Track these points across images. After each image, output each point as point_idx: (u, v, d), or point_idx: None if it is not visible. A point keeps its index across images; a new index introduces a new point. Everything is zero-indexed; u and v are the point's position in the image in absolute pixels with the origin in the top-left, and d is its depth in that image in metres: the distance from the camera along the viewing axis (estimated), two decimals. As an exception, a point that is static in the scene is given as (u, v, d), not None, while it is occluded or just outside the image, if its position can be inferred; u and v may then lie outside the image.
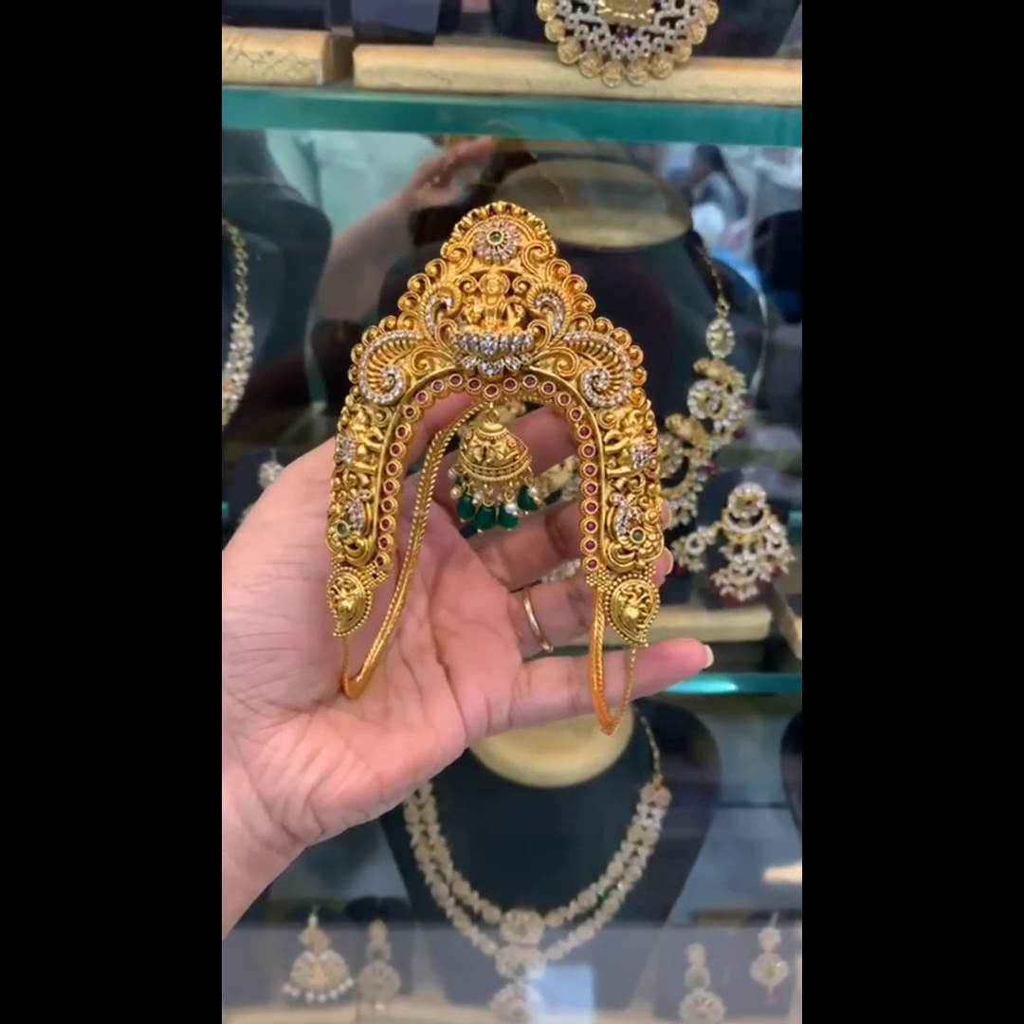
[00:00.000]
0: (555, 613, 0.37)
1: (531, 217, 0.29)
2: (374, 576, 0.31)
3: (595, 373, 0.29)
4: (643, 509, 0.30)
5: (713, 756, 0.80)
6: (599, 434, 0.30)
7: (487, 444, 0.31)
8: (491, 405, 0.30)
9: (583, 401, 0.29)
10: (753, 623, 0.70)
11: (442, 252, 0.29)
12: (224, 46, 0.50)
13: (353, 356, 0.30)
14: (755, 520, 0.67)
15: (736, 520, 0.66)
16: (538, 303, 0.29)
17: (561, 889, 0.73)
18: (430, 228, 0.74)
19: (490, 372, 0.29)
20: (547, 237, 0.29)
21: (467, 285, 0.29)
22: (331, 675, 0.34)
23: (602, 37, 0.50)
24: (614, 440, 0.29)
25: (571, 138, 0.53)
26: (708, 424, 0.65)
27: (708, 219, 1.31)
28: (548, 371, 0.29)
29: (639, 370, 0.29)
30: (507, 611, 0.37)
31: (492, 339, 0.28)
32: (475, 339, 0.28)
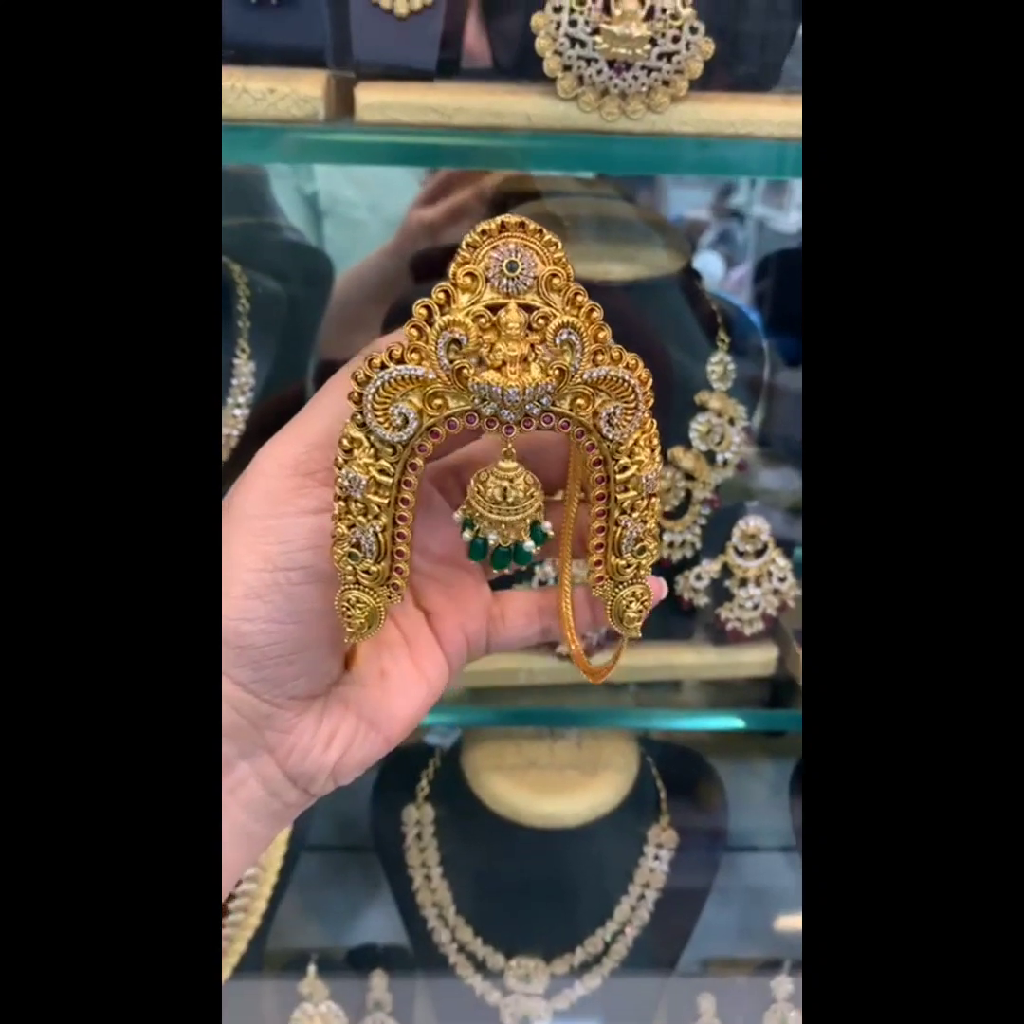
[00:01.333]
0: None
1: (547, 236, 0.28)
2: (388, 597, 0.30)
3: (611, 410, 0.29)
4: (644, 523, 0.30)
5: (721, 798, 0.79)
6: (611, 462, 0.30)
7: (506, 483, 0.30)
8: (509, 444, 0.29)
9: (597, 435, 0.29)
10: (760, 659, 0.69)
11: (450, 276, 0.28)
12: (227, 84, 0.51)
13: (353, 382, 0.28)
14: (760, 553, 0.66)
15: (741, 553, 0.66)
16: (558, 340, 0.27)
17: (567, 934, 0.71)
18: (431, 267, 0.75)
19: (511, 418, 0.28)
20: (563, 260, 0.28)
21: (483, 320, 0.27)
22: (342, 659, 0.35)
23: (600, 72, 0.50)
24: (625, 468, 0.30)
25: (571, 171, 0.53)
26: (710, 456, 0.64)
27: (708, 266, 1.32)
28: (566, 410, 0.29)
29: (648, 394, 0.29)
30: None
31: (517, 392, 0.27)
32: (498, 391, 0.27)
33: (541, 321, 0.27)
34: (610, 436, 0.29)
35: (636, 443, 0.30)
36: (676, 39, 0.50)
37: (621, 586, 0.32)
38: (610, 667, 0.37)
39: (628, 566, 0.31)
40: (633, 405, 0.29)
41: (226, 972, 0.67)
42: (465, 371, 0.27)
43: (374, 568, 0.30)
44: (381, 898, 0.76)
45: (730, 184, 1.59)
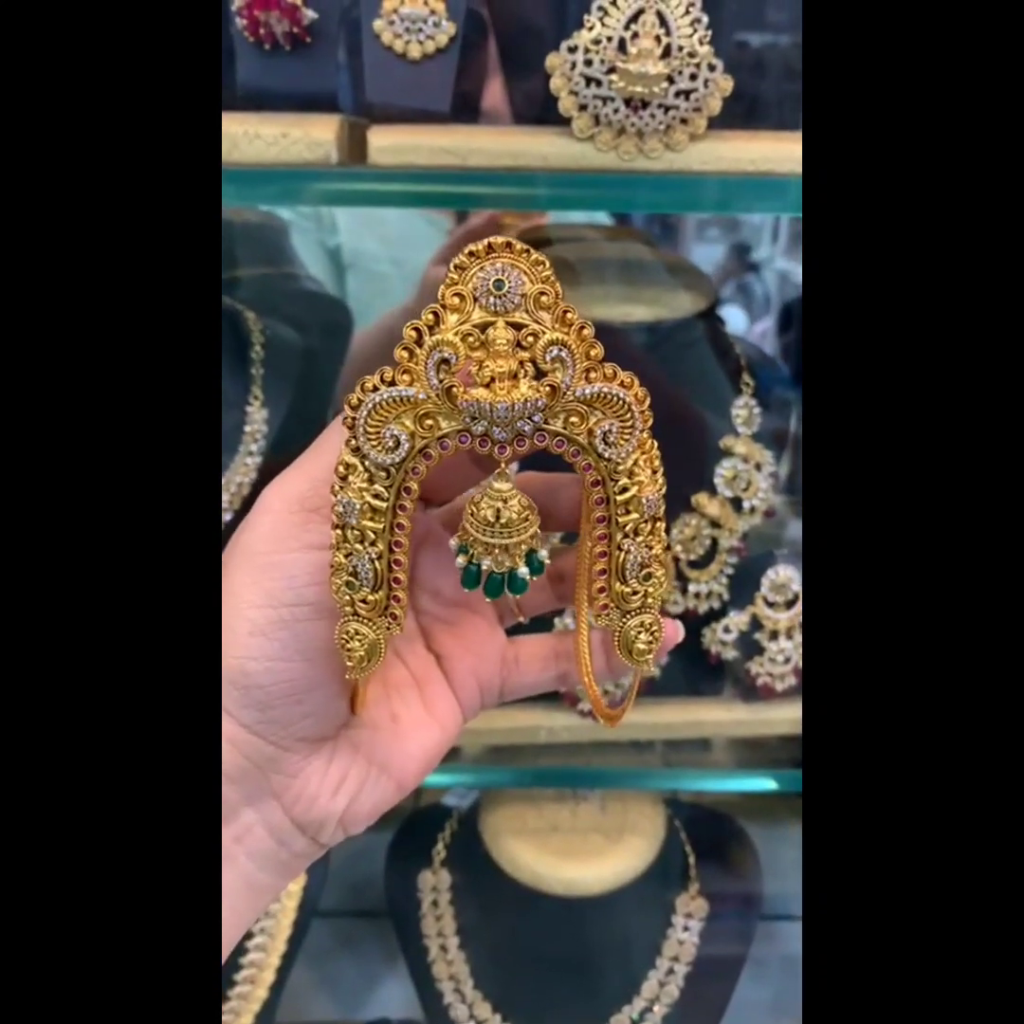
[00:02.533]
0: (533, 591, 0.37)
1: (534, 255, 0.27)
2: (388, 628, 0.30)
3: (607, 428, 0.28)
4: (650, 548, 0.30)
5: (754, 863, 0.75)
6: (610, 483, 0.29)
7: (499, 505, 0.29)
8: (503, 465, 0.29)
9: (593, 454, 0.28)
10: (792, 716, 0.65)
11: (439, 297, 0.28)
12: (241, 129, 0.51)
13: (347, 406, 0.28)
14: (790, 604, 0.63)
15: (770, 604, 0.63)
16: (548, 357, 0.27)
17: (591, 1012, 0.67)
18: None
19: (502, 436, 0.27)
20: (552, 279, 0.27)
21: (471, 338, 0.27)
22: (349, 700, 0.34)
23: (616, 111, 0.49)
24: (625, 489, 0.29)
25: (587, 210, 0.52)
26: (737, 503, 0.62)
27: (731, 319, 1.32)
28: (559, 428, 0.28)
29: (645, 413, 0.29)
30: None
31: (506, 408, 0.27)
32: (487, 407, 0.27)
33: (530, 338, 0.27)
34: (607, 455, 0.28)
35: (636, 463, 0.29)
36: (694, 77, 0.49)
37: (628, 616, 0.31)
38: (625, 708, 0.36)
39: (634, 593, 0.30)
40: (630, 424, 0.28)
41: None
42: (454, 389, 0.27)
43: (371, 598, 0.29)
44: (395, 969, 0.73)
45: (748, 239, 1.60)
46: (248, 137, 0.51)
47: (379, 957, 0.78)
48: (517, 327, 0.27)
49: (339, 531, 0.29)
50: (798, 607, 0.63)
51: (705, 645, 0.63)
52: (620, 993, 0.67)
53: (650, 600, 0.31)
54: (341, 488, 0.29)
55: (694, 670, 0.65)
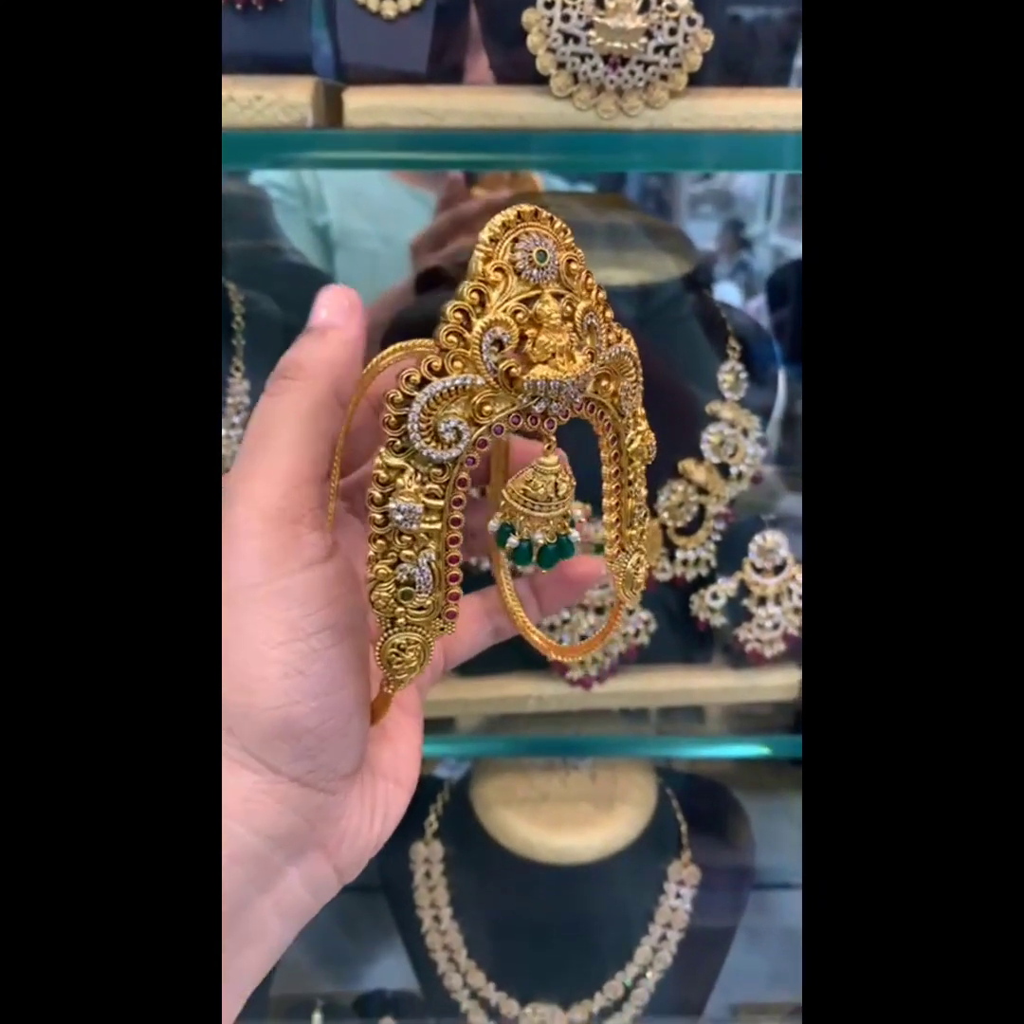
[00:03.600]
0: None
1: (558, 223, 0.27)
2: (440, 629, 0.28)
3: (625, 386, 0.29)
4: (643, 490, 0.31)
5: (747, 832, 0.75)
6: (622, 436, 0.30)
7: (554, 478, 0.28)
8: (553, 438, 0.28)
9: (613, 412, 0.29)
10: (782, 682, 0.65)
11: (475, 273, 0.26)
12: (213, 93, 0.50)
13: (389, 405, 0.26)
14: (779, 570, 0.63)
15: (758, 570, 0.62)
16: (584, 325, 0.27)
17: (584, 978, 0.67)
18: (436, 281, 0.73)
19: (559, 410, 0.27)
20: (574, 245, 0.28)
21: (520, 315, 0.26)
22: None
23: (594, 68, 0.49)
24: (631, 440, 0.30)
25: (567, 170, 0.52)
26: (724, 469, 0.62)
27: (726, 297, 1.31)
28: (592, 392, 0.28)
29: (639, 368, 0.30)
30: None
31: (573, 384, 0.26)
32: (557, 385, 0.26)
33: (568, 308, 0.26)
34: (624, 411, 0.29)
35: (637, 415, 0.30)
36: (673, 31, 0.48)
37: (629, 554, 0.32)
38: (595, 644, 0.38)
39: (637, 535, 0.32)
40: (634, 378, 0.29)
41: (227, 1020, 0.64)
42: (513, 371, 0.26)
43: (429, 601, 0.28)
44: (389, 941, 0.73)
45: (742, 215, 1.59)
46: (221, 101, 0.50)
47: (373, 931, 0.78)
48: (556, 297, 0.26)
49: (380, 541, 0.27)
50: (786, 573, 0.63)
51: (694, 612, 0.63)
52: (613, 960, 0.68)
53: (644, 538, 0.32)
54: (386, 496, 0.26)
55: (683, 637, 0.64)
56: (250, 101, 0.50)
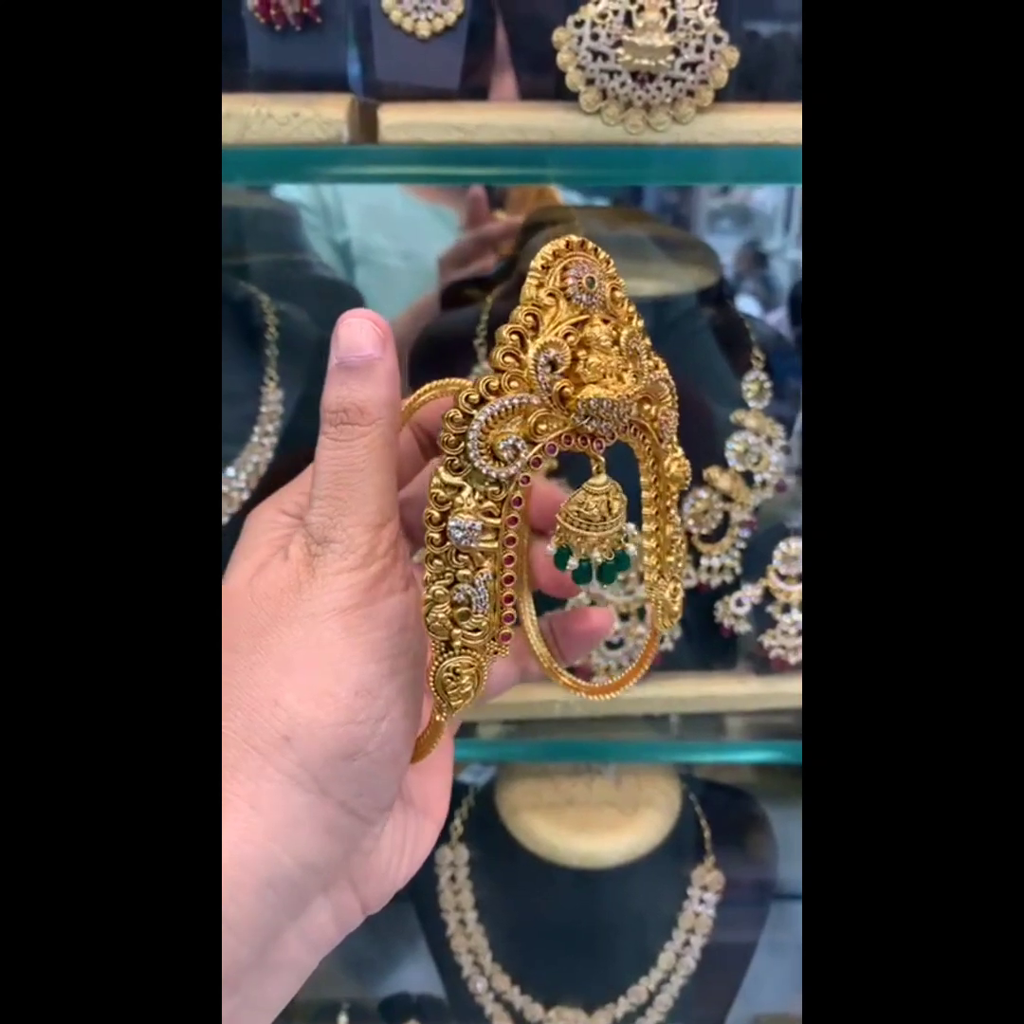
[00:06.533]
0: None
1: (602, 252, 0.29)
2: (494, 653, 0.29)
3: (664, 411, 0.30)
4: (677, 517, 0.32)
5: (769, 840, 0.75)
6: (661, 462, 0.31)
7: (605, 497, 0.29)
8: (602, 458, 0.29)
9: (653, 436, 0.30)
10: (806, 689, 0.65)
11: (529, 298, 0.27)
12: (252, 110, 0.51)
13: (448, 424, 0.27)
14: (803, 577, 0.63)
15: (782, 577, 0.63)
16: (629, 350, 0.28)
17: (608, 984, 0.68)
18: (460, 296, 0.74)
19: (608, 430, 0.28)
20: (616, 273, 0.29)
21: (571, 338, 0.27)
22: None
23: (623, 85, 0.50)
24: (669, 466, 0.31)
25: (595, 183, 0.53)
26: (748, 477, 0.62)
27: (746, 310, 1.32)
28: (636, 416, 0.29)
29: (675, 392, 0.31)
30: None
31: (624, 403, 0.27)
32: (608, 404, 0.27)
33: (614, 332, 0.28)
34: (664, 435, 0.30)
35: (674, 441, 0.31)
36: (699, 49, 0.49)
37: (667, 582, 0.32)
38: (630, 678, 0.37)
39: (676, 561, 0.32)
40: (670, 404, 0.30)
41: None
42: (566, 391, 0.27)
43: (485, 623, 0.28)
44: (414, 945, 0.73)
45: (761, 229, 1.60)
46: (260, 117, 0.52)
47: (398, 934, 0.79)
48: (604, 322, 0.27)
49: (438, 561, 0.28)
50: (810, 580, 0.63)
51: (718, 619, 0.64)
52: (637, 966, 0.68)
53: (681, 565, 0.32)
54: (444, 515, 0.27)
55: (707, 644, 0.65)
56: (288, 118, 0.52)
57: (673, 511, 0.31)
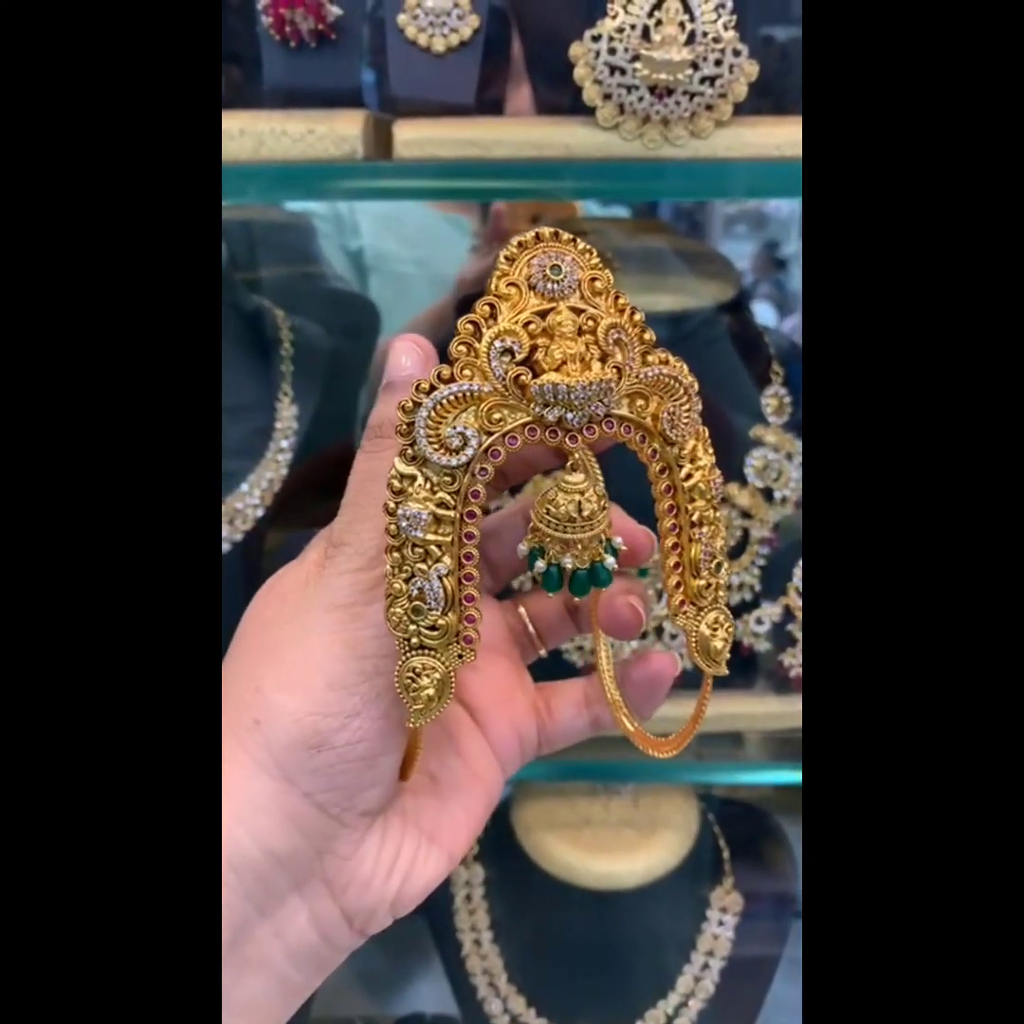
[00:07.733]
0: (556, 622, 0.37)
1: (581, 244, 0.27)
2: (459, 657, 0.27)
3: (671, 410, 0.28)
4: (716, 538, 0.29)
5: (789, 859, 0.74)
6: (676, 470, 0.28)
7: (579, 497, 0.27)
8: (577, 455, 0.28)
9: (658, 439, 0.28)
10: (826, 708, 0.64)
11: (491, 288, 0.26)
12: (267, 127, 0.51)
13: (400, 412, 0.26)
14: (823, 595, 0.62)
15: (803, 595, 0.62)
16: (609, 340, 0.26)
17: (625, 1006, 0.67)
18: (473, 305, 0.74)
19: (576, 421, 0.26)
20: (600, 265, 0.27)
21: (532, 326, 0.26)
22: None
23: (641, 99, 0.49)
24: (689, 475, 0.29)
25: (614, 198, 0.52)
26: (768, 493, 0.62)
27: (763, 317, 1.32)
28: (626, 412, 0.27)
29: (697, 397, 0.28)
30: (505, 625, 0.37)
31: (583, 389, 0.25)
32: (564, 389, 0.25)
33: (590, 323, 0.26)
34: (673, 437, 0.28)
35: (695, 449, 0.29)
36: (718, 62, 0.49)
37: (702, 612, 0.29)
38: (689, 733, 0.34)
39: (708, 586, 0.29)
40: (687, 407, 0.28)
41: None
42: (523, 378, 0.26)
43: (441, 621, 0.27)
44: (429, 964, 0.73)
45: (776, 235, 1.59)
46: (275, 134, 0.51)
47: (413, 953, 0.78)
48: (576, 312, 0.26)
49: (396, 553, 0.27)
50: (831, 597, 0.62)
51: (737, 637, 0.63)
52: (655, 988, 0.67)
53: (720, 594, 0.30)
54: (398, 502, 0.26)
55: (726, 662, 0.64)
56: (302, 134, 0.51)
57: (706, 529, 0.29)
